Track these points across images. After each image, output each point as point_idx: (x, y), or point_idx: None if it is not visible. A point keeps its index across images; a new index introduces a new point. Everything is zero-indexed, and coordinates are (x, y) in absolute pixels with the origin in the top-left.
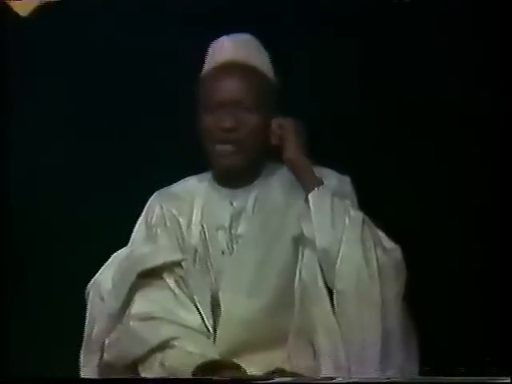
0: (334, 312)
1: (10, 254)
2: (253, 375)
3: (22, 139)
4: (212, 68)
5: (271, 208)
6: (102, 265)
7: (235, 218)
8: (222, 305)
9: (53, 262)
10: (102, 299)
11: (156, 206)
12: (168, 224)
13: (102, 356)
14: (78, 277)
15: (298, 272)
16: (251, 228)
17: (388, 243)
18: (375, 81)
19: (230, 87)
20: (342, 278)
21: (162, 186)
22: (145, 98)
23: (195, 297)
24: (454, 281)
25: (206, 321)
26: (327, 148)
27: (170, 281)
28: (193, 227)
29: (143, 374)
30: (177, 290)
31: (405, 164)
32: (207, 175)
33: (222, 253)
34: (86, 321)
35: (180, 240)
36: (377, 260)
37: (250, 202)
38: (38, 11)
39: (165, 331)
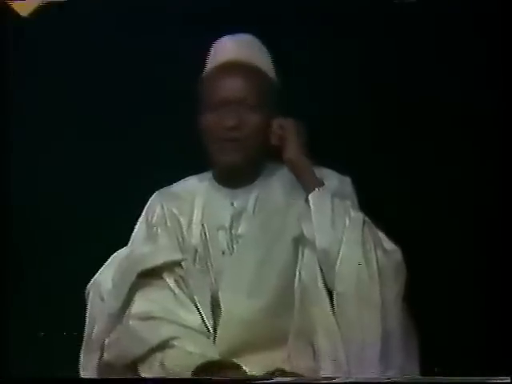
0: (333, 313)
1: (10, 254)
2: (253, 375)
3: (22, 139)
4: (214, 67)
5: (272, 208)
6: (101, 265)
7: (236, 218)
8: (222, 305)
9: (53, 262)
10: (102, 299)
11: (157, 206)
12: (169, 223)
13: (101, 356)
14: (77, 277)
15: (297, 272)
16: (252, 228)
17: (388, 244)
18: (375, 81)
19: (233, 85)
20: (341, 278)
21: (162, 186)
22: (145, 98)
23: (195, 297)
24: (453, 281)
25: (206, 321)
26: (327, 148)
27: (170, 281)
28: (193, 227)
29: (143, 374)
30: (177, 290)
31: (405, 164)
32: (208, 175)
33: (223, 253)
34: (86, 321)
35: (180, 240)
36: (377, 261)
37: (251, 202)
38: (38, 11)
39: (165, 331)
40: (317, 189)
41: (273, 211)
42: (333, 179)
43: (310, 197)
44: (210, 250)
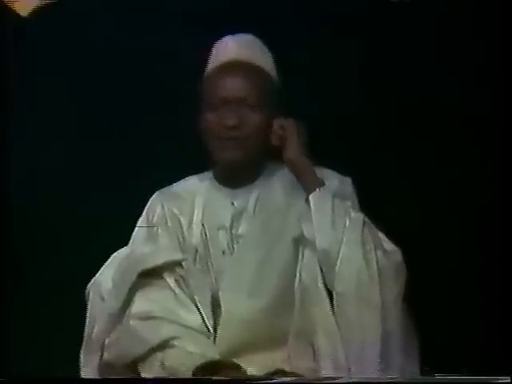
0: (333, 313)
1: (10, 254)
2: (253, 375)
3: (22, 139)
4: (216, 67)
5: (272, 208)
6: (101, 265)
7: (236, 217)
8: (222, 305)
9: (53, 262)
10: (103, 299)
11: (157, 206)
12: (169, 223)
13: (102, 356)
14: (77, 277)
15: (298, 273)
16: (252, 228)
17: (388, 245)
18: (375, 81)
19: (234, 85)
20: (341, 279)
21: (162, 186)
22: (145, 98)
23: (196, 297)
24: (453, 281)
25: (206, 321)
26: (327, 148)
27: (170, 280)
28: (194, 227)
29: (143, 374)
30: (177, 290)
31: (405, 164)
32: (208, 174)
33: (223, 253)
34: (87, 321)
35: (181, 239)
36: (377, 262)
37: (251, 201)
38: (38, 11)
39: (165, 331)
40: (317, 189)
41: (273, 211)
42: (333, 179)
43: (311, 197)
44: (211, 250)
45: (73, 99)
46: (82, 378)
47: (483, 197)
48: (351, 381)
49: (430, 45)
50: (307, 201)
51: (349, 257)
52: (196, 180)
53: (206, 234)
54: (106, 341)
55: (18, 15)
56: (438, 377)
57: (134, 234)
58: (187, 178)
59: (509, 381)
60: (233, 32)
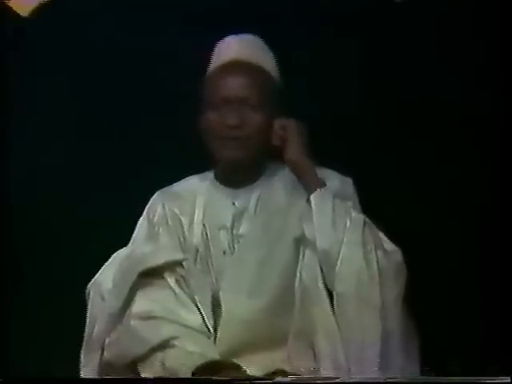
0: (334, 313)
1: (10, 254)
2: (253, 375)
3: (22, 139)
4: (217, 67)
5: (273, 208)
6: (102, 265)
7: (237, 217)
8: (222, 305)
9: (53, 262)
10: (103, 299)
11: (158, 205)
12: (170, 223)
13: (102, 355)
14: (77, 277)
15: (298, 273)
16: (253, 228)
17: (389, 245)
18: (375, 81)
19: (236, 84)
20: (342, 279)
21: (162, 186)
22: (145, 98)
23: (196, 296)
24: (453, 281)
25: (206, 321)
26: (327, 148)
27: (170, 280)
28: (194, 226)
29: (143, 374)
30: (178, 290)
31: (405, 164)
32: (209, 174)
33: (224, 253)
34: (87, 320)
35: (181, 239)
36: (377, 262)
37: (252, 201)
38: (38, 11)
39: (165, 331)
40: (318, 189)
41: (274, 211)
42: (334, 180)
43: (312, 197)
44: (211, 250)
45: (73, 99)
46: (82, 378)
47: (483, 197)
48: (351, 381)
49: (430, 45)
50: (308, 201)
51: (349, 257)
52: (197, 180)
53: (206, 234)
54: (107, 340)
55: (18, 15)
56: (438, 377)
57: (134, 233)
58: (188, 178)
59: (509, 381)
60: (233, 32)
